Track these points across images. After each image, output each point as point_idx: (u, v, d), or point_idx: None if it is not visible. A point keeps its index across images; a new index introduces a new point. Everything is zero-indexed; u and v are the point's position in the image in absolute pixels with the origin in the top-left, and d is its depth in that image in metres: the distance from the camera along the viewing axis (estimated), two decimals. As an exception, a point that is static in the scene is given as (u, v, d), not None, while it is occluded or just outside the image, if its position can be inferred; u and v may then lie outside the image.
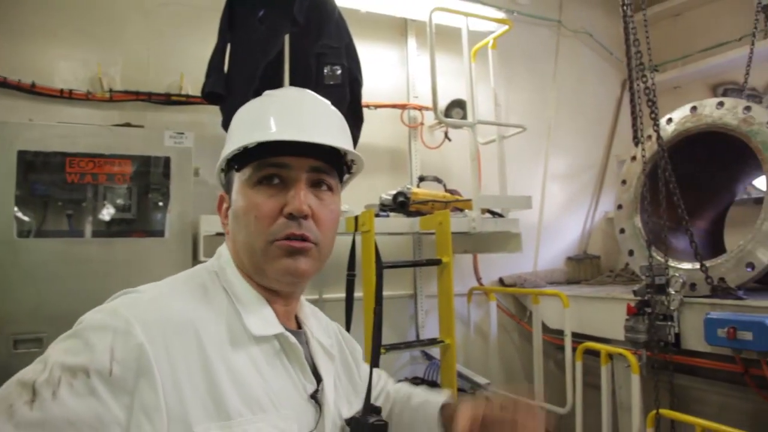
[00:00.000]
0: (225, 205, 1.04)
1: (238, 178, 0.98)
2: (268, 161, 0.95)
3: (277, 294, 1.00)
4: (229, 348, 0.88)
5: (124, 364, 0.76)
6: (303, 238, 0.94)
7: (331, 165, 1.00)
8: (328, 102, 1.07)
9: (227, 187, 1.03)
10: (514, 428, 0.95)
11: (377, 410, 1.01)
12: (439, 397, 1.15)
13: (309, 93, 1.06)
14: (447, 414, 1.10)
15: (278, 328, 0.95)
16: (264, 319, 0.95)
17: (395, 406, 1.22)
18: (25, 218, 2.28)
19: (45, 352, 0.80)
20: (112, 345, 0.77)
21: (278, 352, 0.95)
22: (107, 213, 2.39)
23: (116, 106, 2.90)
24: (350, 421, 1.02)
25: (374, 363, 1.09)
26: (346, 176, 1.10)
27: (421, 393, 1.22)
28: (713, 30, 4.06)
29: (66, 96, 2.80)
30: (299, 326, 1.08)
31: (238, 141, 0.97)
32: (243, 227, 0.96)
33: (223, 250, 1.04)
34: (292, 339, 0.96)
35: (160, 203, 2.47)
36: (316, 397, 0.96)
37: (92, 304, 0.87)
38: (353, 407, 1.10)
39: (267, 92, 1.06)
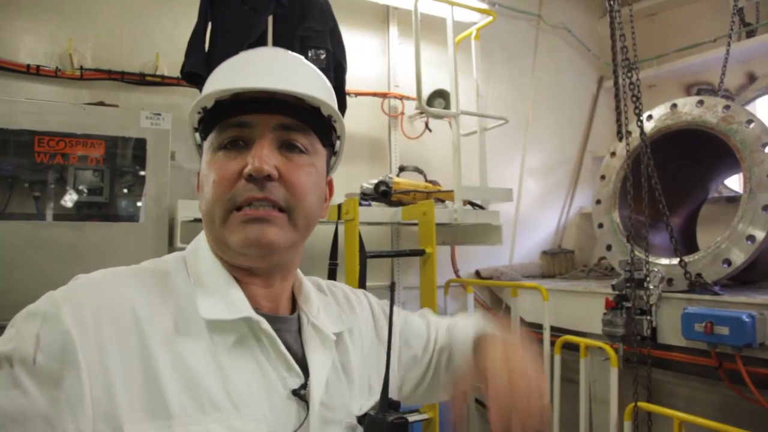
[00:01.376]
0: None
1: (205, 147, 0.87)
2: (229, 122, 0.83)
3: (252, 273, 0.87)
4: (178, 337, 0.77)
5: (48, 352, 0.69)
6: (267, 202, 0.81)
7: (304, 123, 0.86)
8: (303, 58, 0.93)
9: None
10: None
11: (396, 405, 0.86)
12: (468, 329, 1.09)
13: (282, 50, 0.93)
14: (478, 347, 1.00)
15: (242, 312, 0.81)
16: (225, 302, 0.82)
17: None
18: (-13, 199, 2.16)
19: None
20: (38, 332, 0.70)
21: (246, 341, 0.82)
22: (78, 196, 2.27)
23: (87, 85, 2.77)
24: (363, 419, 0.88)
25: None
26: (337, 143, 0.95)
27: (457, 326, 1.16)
28: (688, 31, 4.13)
29: (33, 72, 2.66)
30: (294, 311, 0.94)
31: (195, 105, 0.86)
32: (203, 195, 0.85)
33: (202, 234, 0.91)
34: (265, 325, 0.82)
35: (135, 187, 2.37)
36: (300, 394, 0.82)
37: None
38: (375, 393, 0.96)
39: (240, 53, 0.92)
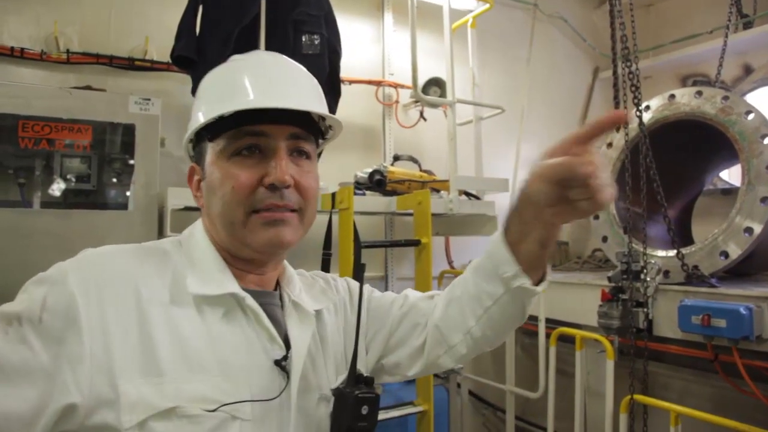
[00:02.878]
0: (197, 177, 0.99)
1: (212, 149, 0.93)
2: (245, 130, 0.90)
3: (252, 263, 0.97)
4: (172, 306, 0.86)
5: (53, 312, 0.78)
6: (285, 209, 0.91)
7: (308, 131, 0.97)
8: (299, 65, 1.02)
9: (197, 158, 0.98)
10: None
11: (368, 381, 0.95)
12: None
13: (280, 56, 1.02)
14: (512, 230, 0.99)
15: (228, 288, 0.90)
16: (212, 280, 0.91)
17: (454, 299, 1.12)
18: (-31, 186, 2.09)
19: None
20: (45, 295, 0.79)
21: (233, 314, 0.90)
22: (64, 183, 2.21)
23: (73, 69, 2.69)
24: (334, 392, 0.96)
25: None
26: (321, 142, 1.06)
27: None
28: (685, 22, 4.09)
29: (17, 55, 2.58)
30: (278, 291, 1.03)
31: (211, 110, 0.91)
32: (219, 199, 0.91)
33: (198, 222, 1.00)
34: (250, 300, 0.91)
35: (123, 174, 2.31)
36: (281, 365, 0.91)
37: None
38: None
39: (234, 57, 1.00)
